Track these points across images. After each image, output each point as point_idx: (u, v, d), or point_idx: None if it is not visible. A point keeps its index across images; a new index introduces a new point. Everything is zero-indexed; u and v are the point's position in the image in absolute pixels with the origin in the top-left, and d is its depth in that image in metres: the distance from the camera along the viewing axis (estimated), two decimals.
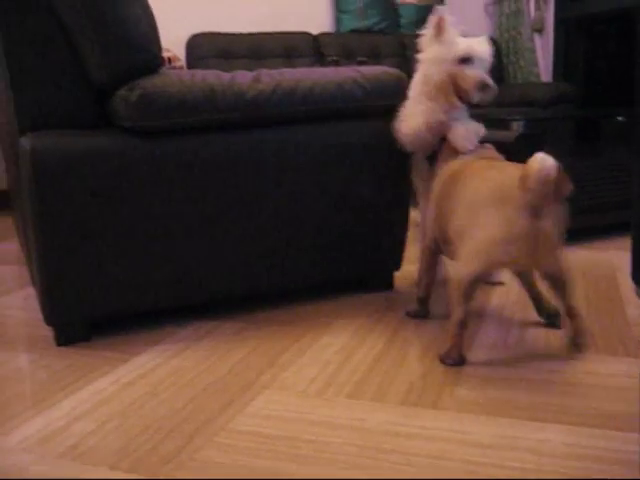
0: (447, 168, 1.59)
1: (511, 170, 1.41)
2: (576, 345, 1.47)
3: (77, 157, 1.50)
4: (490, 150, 1.65)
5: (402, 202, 1.85)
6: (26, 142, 1.49)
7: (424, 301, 1.70)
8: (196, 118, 1.57)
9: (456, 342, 1.42)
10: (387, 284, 1.95)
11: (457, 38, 1.66)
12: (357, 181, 1.77)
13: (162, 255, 1.62)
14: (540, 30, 4.98)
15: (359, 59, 4.10)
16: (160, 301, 1.66)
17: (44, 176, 1.48)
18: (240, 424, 1.20)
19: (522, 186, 1.31)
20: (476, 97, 1.63)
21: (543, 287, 1.56)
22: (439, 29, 1.67)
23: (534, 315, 1.66)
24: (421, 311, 1.70)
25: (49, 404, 1.31)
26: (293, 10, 4.50)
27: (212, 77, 1.60)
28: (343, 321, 1.69)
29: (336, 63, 4.08)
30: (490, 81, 1.61)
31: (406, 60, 4.62)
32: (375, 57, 4.51)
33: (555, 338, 1.55)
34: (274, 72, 1.70)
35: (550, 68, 4.99)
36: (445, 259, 1.73)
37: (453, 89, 1.65)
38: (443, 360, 1.44)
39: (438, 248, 1.63)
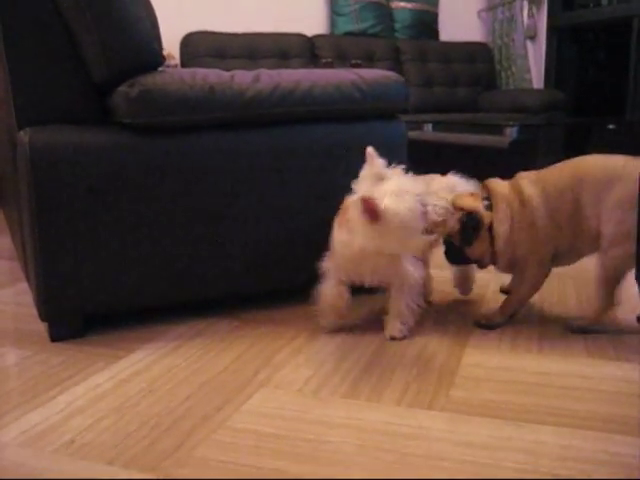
0: None
1: None
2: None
3: (75, 152, 1.50)
4: None
5: None
6: (24, 137, 1.48)
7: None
8: (195, 116, 1.58)
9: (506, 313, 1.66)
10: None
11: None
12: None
13: (157, 252, 1.62)
14: (532, 37, 5.03)
15: (353, 62, 4.12)
16: (155, 298, 1.66)
17: (42, 171, 1.48)
18: (238, 422, 1.20)
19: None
20: None
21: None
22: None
23: (528, 319, 1.68)
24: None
25: (45, 399, 1.30)
26: (288, 11, 4.51)
27: (212, 76, 1.60)
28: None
29: (330, 65, 4.09)
30: None
31: (399, 64, 4.65)
32: (369, 60, 4.53)
33: (548, 341, 1.56)
34: (273, 72, 1.71)
35: (542, 75, 5.03)
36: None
37: None
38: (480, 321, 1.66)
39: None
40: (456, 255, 1.66)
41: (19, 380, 1.40)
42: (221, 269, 1.70)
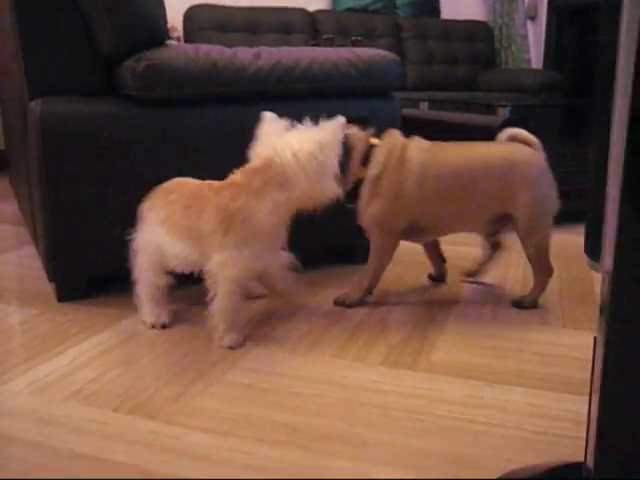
0: None
1: None
2: None
3: (84, 121, 1.58)
4: None
5: None
6: (36, 107, 1.56)
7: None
8: (199, 90, 1.65)
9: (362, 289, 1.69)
10: None
11: None
12: None
13: None
14: (533, 17, 5.05)
15: (354, 38, 4.16)
16: None
17: (52, 139, 1.56)
18: (232, 377, 1.30)
19: None
20: None
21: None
22: None
23: (510, 294, 1.77)
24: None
25: (53, 354, 1.40)
26: None
27: (215, 52, 1.68)
28: (330, 291, 1.79)
29: (331, 41, 4.13)
30: None
31: (400, 41, 4.68)
32: (370, 37, 4.57)
33: (527, 314, 1.66)
34: (274, 50, 1.78)
35: (541, 55, 5.07)
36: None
37: None
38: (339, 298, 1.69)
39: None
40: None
41: (28, 336, 1.49)
42: None
